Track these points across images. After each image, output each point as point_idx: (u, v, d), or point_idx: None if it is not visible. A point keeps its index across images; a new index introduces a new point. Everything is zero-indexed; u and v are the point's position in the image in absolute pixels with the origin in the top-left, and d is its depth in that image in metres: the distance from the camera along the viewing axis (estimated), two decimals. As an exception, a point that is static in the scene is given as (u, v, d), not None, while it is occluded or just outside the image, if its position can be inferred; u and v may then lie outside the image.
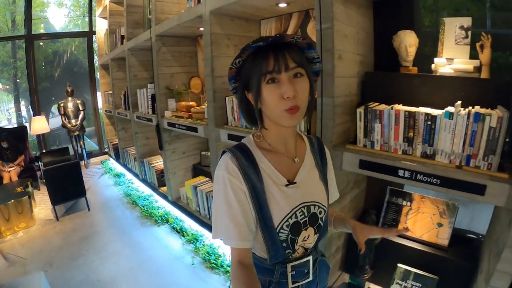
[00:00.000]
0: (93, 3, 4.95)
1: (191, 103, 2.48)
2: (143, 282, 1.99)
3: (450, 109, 0.99)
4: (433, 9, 1.40)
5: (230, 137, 1.80)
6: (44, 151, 4.27)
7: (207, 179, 2.50)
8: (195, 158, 2.91)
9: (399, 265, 1.31)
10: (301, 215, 0.73)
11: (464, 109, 0.96)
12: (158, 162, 3.17)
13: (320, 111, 1.24)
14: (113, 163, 4.58)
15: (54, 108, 5.57)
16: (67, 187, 3.01)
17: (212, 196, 2.16)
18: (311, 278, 0.79)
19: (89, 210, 3.16)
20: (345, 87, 1.26)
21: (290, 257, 0.75)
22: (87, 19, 5.15)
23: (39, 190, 3.88)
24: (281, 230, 0.71)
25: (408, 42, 1.26)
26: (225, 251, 2.11)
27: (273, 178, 0.72)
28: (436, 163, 1.03)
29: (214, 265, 2.02)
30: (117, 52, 3.60)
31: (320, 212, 0.77)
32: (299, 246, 0.76)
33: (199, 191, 2.34)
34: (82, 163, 4.50)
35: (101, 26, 4.57)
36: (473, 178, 0.89)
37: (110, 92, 4.16)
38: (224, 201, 0.69)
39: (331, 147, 1.23)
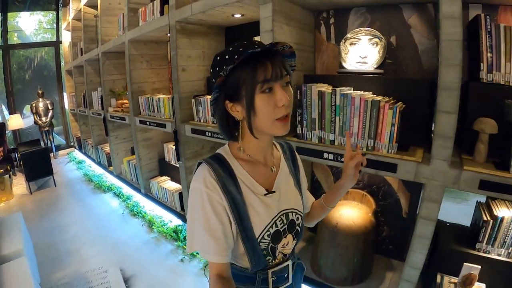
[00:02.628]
0: (59, 16, 6.09)
1: (125, 101, 3.66)
2: (89, 225, 3.15)
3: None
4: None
5: (141, 122, 2.98)
6: (19, 142, 5.39)
7: (140, 156, 3.69)
8: (142, 145, 4.09)
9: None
10: (280, 223, 0.78)
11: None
12: (108, 147, 4.34)
13: (177, 102, 2.44)
14: (77, 154, 5.75)
15: (25, 110, 6.62)
16: (38, 168, 4.16)
17: (134, 166, 3.33)
18: (290, 281, 0.85)
19: (55, 186, 4.32)
20: (189, 87, 2.44)
21: (270, 263, 0.79)
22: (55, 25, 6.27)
23: (16, 176, 4.99)
24: (262, 240, 0.74)
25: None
26: (143, 203, 3.29)
27: (252, 188, 0.75)
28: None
29: (135, 213, 3.20)
30: (77, 61, 4.77)
31: (298, 219, 0.82)
32: (279, 252, 0.80)
33: (131, 164, 3.53)
34: (51, 155, 5.62)
35: (66, 37, 5.72)
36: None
37: (74, 93, 5.32)
38: (201, 215, 0.70)
39: (180, 123, 2.43)
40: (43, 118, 5.61)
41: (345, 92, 1.36)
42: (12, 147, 5.28)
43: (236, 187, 0.73)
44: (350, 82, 1.54)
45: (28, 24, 6.99)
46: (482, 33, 1.25)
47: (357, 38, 1.61)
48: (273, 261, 0.80)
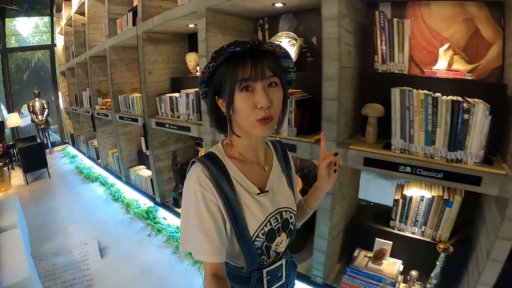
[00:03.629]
0: (54, 21, 6.62)
1: (109, 100, 4.14)
2: (76, 209, 3.64)
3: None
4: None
5: (120, 117, 3.46)
6: (17, 139, 5.92)
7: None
8: (123, 138, 4.58)
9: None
10: (275, 222, 0.80)
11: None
12: (96, 142, 4.83)
13: (144, 99, 2.91)
14: (70, 149, 6.27)
15: (23, 109, 7.15)
16: (34, 160, 4.67)
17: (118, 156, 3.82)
18: (284, 280, 0.88)
19: (49, 177, 4.83)
20: (155, 87, 2.90)
21: (265, 263, 0.82)
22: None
23: (14, 169, 5.52)
24: (257, 239, 0.77)
25: (190, 58, 2.88)
26: (124, 190, 3.77)
27: (245, 187, 0.77)
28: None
29: (116, 198, 3.69)
30: (70, 64, 5.28)
31: (291, 217, 0.85)
32: (272, 251, 0.82)
33: (115, 156, 4.02)
34: (47, 150, 6.14)
35: (60, 41, 6.23)
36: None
37: (67, 93, 5.84)
38: (195, 215, 0.71)
39: (147, 118, 2.90)
40: (40, 117, 6.14)
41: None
42: (10, 143, 5.81)
43: (230, 186, 0.74)
44: None
45: (25, 27, 7.52)
46: (376, 29, 1.49)
47: (279, 41, 2.02)
48: (267, 260, 0.82)
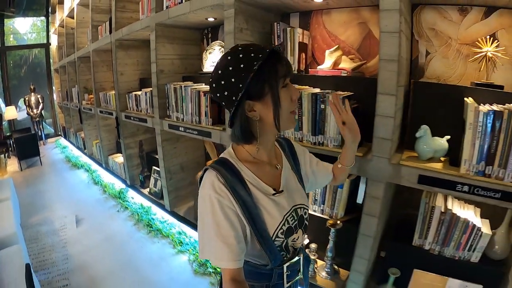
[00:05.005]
0: (49, 21, 7.24)
1: (93, 96, 4.74)
2: (62, 191, 4.25)
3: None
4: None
5: (101, 111, 4.05)
6: (14, 130, 6.58)
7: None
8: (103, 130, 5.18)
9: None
10: (292, 220, 0.84)
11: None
12: (83, 133, 5.45)
13: (117, 96, 3.50)
14: (62, 141, 6.91)
15: (20, 103, 7.78)
16: (28, 149, 5.31)
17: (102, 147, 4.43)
18: (301, 275, 0.92)
19: (41, 165, 5.46)
20: (126, 86, 3.47)
21: (285, 258, 0.86)
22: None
23: (10, 158, 6.16)
24: (277, 238, 0.80)
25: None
26: (103, 175, 4.38)
27: (260, 189, 0.80)
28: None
29: (96, 182, 4.30)
30: (62, 62, 5.89)
31: (305, 213, 0.90)
32: (290, 246, 0.87)
33: (97, 145, 4.62)
34: (41, 142, 6.78)
35: (54, 40, 6.86)
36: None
37: (60, 89, 6.46)
38: (212, 222, 0.73)
39: (119, 112, 3.49)
40: (35, 110, 6.77)
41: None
42: (7, 134, 6.45)
43: (246, 189, 0.77)
44: (205, 79, 2.51)
45: (23, 26, 8.14)
46: (273, 37, 1.85)
47: (212, 48, 2.57)
48: (287, 256, 0.86)
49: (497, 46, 1.45)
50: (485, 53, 1.47)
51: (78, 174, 4.86)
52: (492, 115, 1.15)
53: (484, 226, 1.42)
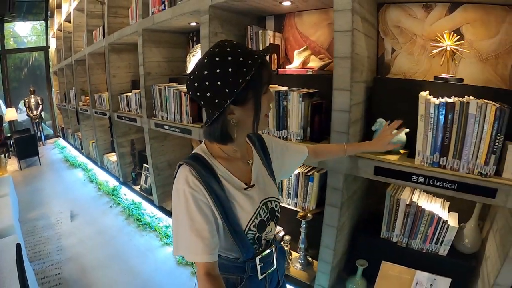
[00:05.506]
0: (48, 25, 7.48)
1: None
2: (59, 188, 4.44)
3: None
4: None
5: (96, 112, 4.24)
6: (14, 131, 6.80)
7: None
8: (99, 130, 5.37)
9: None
10: (263, 213, 0.87)
11: (134, 97, 3.41)
12: (80, 134, 5.65)
13: (110, 98, 3.68)
14: (61, 142, 7.13)
15: (21, 105, 8.00)
16: (27, 148, 5.51)
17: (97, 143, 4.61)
18: (275, 266, 0.95)
19: (40, 165, 5.67)
20: (118, 88, 3.65)
21: (257, 251, 0.89)
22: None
23: (10, 158, 6.37)
24: (249, 231, 0.83)
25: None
26: (99, 173, 4.56)
27: (232, 184, 0.83)
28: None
29: (92, 180, 4.49)
30: (60, 65, 6.11)
31: (276, 206, 0.93)
32: (263, 239, 0.90)
33: (94, 146, 4.81)
34: (40, 143, 6.99)
35: (53, 44, 7.08)
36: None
37: (58, 91, 6.68)
38: (186, 216, 0.74)
39: (112, 112, 3.66)
40: (34, 112, 6.99)
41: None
42: (8, 135, 6.67)
43: (219, 184, 0.79)
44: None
45: (23, 29, 8.38)
46: (247, 39, 2.01)
47: (196, 51, 2.70)
48: (259, 249, 0.89)
49: (458, 40, 1.46)
50: (445, 47, 1.48)
51: (75, 173, 5.06)
52: (444, 107, 1.16)
53: (452, 219, 1.45)
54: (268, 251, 0.91)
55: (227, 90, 0.72)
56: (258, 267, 0.89)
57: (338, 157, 1.31)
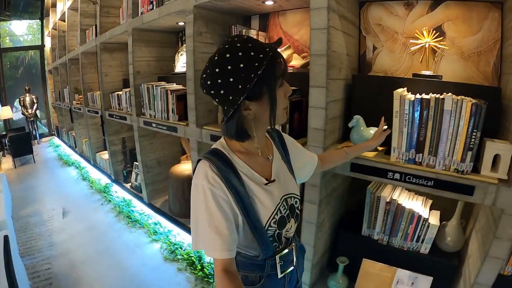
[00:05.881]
0: (43, 24, 7.52)
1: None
2: (52, 186, 4.50)
3: (124, 96, 3.50)
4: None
5: (88, 111, 4.29)
6: (9, 129, 6.85)
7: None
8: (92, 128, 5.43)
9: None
10: (283, 209, 0.86)
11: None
12: (74, 132, 5.70)
13: (101, 96, 3.74)
14: (56, 140, 7.19)
15: (16, 103, 8.05)
16: (22, 147, 5.56)
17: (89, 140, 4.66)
18: (294, 264, 0.93)
19: (34, 163, 5.72)
20: (110, 86, 3.69)
21: (277, 249, 0.87)
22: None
23: (5, 156, 6.42)
24: (269, 228, 0.82)
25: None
26: (91, 171, 4.62)
27: (253, 179, 0.82)
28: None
29: (84, 178, 4.55)
30: (55, 64, 6.15)
31: (296, 202, 0.92)
32: (283, 237, 0.88)
33: (87, 144, 4.86)
34: (35, 141, 7.05)
35: (48, 42, 7.12)
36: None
37: (53, 90, 6.73)
38: (205, 212, 0.74)
39: (104, 110, 3.72)
40: (29, 110, 7.04)
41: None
42: (3, 133, 6.72)
43: (238, 179, 0.78)
44: (177, 80, 2.75)
45: (19, 27, 8.42)
46: None
47: (183, 51, 2.73)
48: (280, 247, 0.88)
49: (437, 37, 1.46)
50: (424, 44, 1.48)
51: (68, 171, 5.11)
52: (419, 103, 1.15)
53: (433, 217, 1.45)
54: (288, 249, 0.91)
55: (240, 86, 0.72)
56: (278, 266, 0.88)
57: (342, 164, 1.30)
